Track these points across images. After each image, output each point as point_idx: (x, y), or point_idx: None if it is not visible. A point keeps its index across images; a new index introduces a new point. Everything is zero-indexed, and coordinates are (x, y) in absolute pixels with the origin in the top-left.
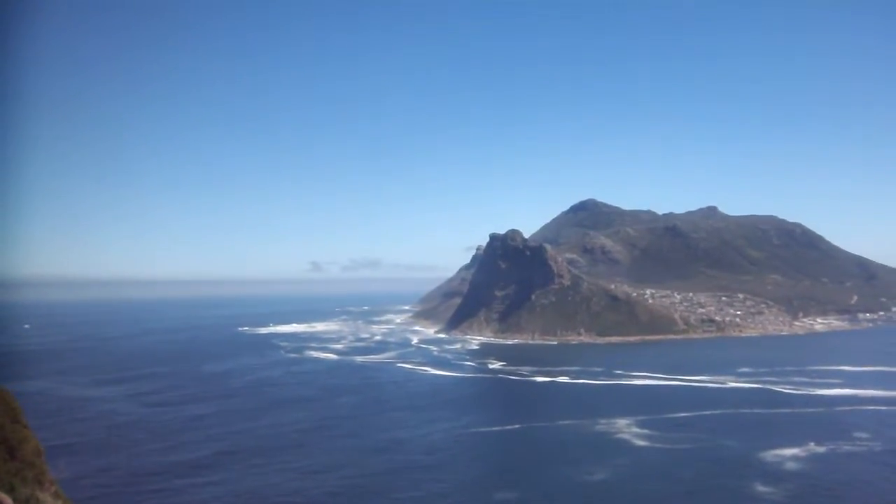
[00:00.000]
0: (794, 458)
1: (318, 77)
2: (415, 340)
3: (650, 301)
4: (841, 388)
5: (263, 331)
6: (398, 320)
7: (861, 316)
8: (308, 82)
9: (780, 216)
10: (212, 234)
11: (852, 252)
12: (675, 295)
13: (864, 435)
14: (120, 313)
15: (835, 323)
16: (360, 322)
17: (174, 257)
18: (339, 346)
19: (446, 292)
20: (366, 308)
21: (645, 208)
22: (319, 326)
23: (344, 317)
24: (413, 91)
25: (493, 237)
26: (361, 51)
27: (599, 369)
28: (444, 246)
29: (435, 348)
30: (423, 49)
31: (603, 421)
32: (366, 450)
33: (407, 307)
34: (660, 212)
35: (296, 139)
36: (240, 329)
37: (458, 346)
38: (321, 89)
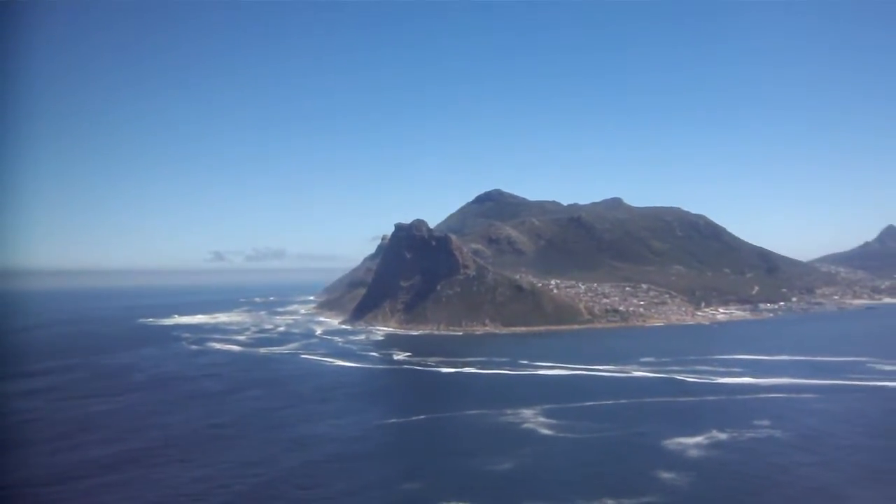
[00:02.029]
0: (697, 445)
1: (214, 63)
2: (319, 331)
3: (555, 291)
4: (742, 376)
5: (165, 322)
6: (302, 311)
7: (762, 306)
8: (203, 68)
9: (684, 208)
10: (105, 223)
11: (754, 244)
12: (580, 285)
13: (765, 422)
14: (5, 305)
15: (736, 313)
16: (263, 313)
17: (62, 246)
18: (242, 338)
19: (351, 282)
20: (270, 298)
21: (550, 199)
22: (222, 317)
23: (247, 307)
24: (318, 78)
25: (399, 227)
26: (248, 31)
27: (505, 359)
28: (350, 236)
29: (339, 339)
30: (330, 35)
31: (509, 411)
32: (278, 446)
33: (311, 298)
34: (565, 203)
35: (196, 127)
36: (140, 321)
37: (362, 336)
38: (221, 76)
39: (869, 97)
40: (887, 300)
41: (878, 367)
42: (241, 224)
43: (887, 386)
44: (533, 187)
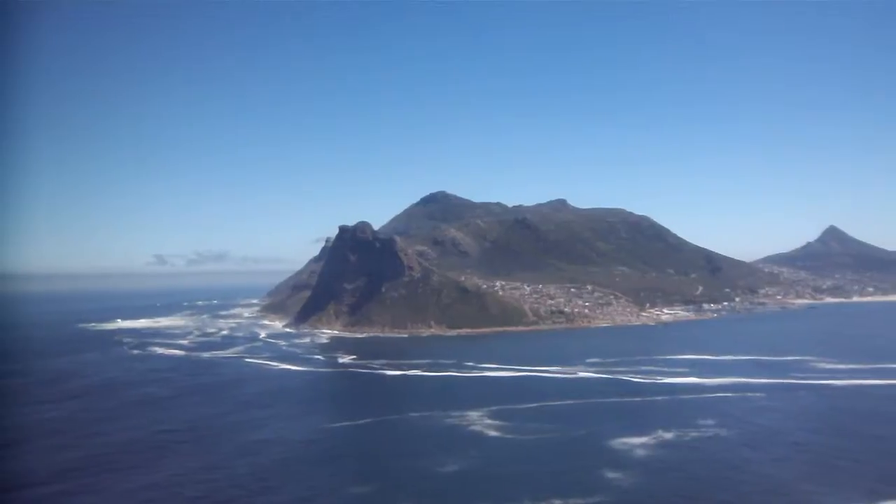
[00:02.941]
0: (643, 445)
1: (150, 62)
2: (263, 335)
3: (500, 293)
4: (687, 376)
5: (106, 326)
6: (246, 314)
7: (706, 306)
8: (139, 66)
9: (628, 209)
10: (41, 226)
11: (698, 245)
12: (525, 287)
13: (709, 421)
14: None
15: (681, 313)
16: (206, 316)
17: None
18: (184, 342)
19: (295, 285)
20: (213, 302)
21: (495, 201)
22: (164, 321)
23: (190, 311)
24: (259, 80)
25: (343, 229)
26: (186, 33)
27: (450, 361)
28: (293, 238)
29: (283, 343)
30: (271, 38)
31: (455, 413)
32: (227, 452)
33: (255, 301)
34: (510, 204)
35: (135, 128)
36: (81, 325)
37: (307, 340)
38: (158, 77)
39: (812, 100)
40: (829, 300)
41: (822, 365)
42: (183, 227)
43: (832, 384)
44: (478, 189)
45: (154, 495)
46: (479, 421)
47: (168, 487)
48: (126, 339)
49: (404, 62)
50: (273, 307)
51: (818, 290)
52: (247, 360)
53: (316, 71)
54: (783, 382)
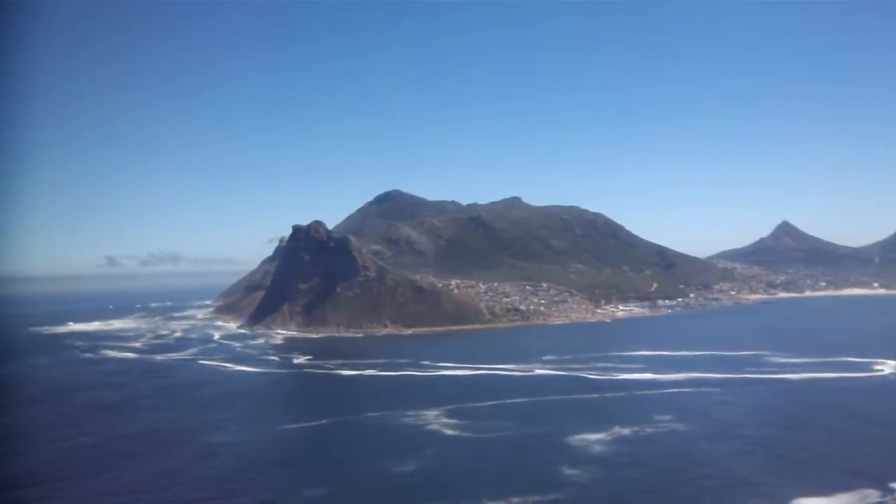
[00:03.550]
0: (600, 441)
1: (92, 60)
2: (217, 336)
3: (456, 291)
4: (642, 372)
5: (58, 330)
6: (199, 316)
7: (661, 303)
8: (80, 64)
9: (583, 206)
10: None
11: (652, 241)
12: (481, 285)
13: (665, 417)
14: None
15: (636, 310)
16: (159, 318)
17: None
18: (138, 345)
19: (249, 286)
20: (166, 303)
21: (449, 199)
22: (117, 324)
23: (143, 313)
24: (212, 79)
25: (297, 229)
26: (130, 32)
27: (406, 361)
28: (247, 238)
29: (238, 344)
30: (225, 36)
31: (411, 412)
32: (184, 456)
33: (208, 302)
34: (464, 202)
35: (84, 127)
36: (31, 329)
37: (261, 341)
38: (115, 77)
39: (764, 95)
40: (782, 294)
41: (776, 359)
42: (135, 227)
43: (787, 378)
44: (432, 187)
45: (114, 502)
46: (436, 420)
47: (128, 494)
48: (78, 343)
49: (356, 60)
50: (227, 308)
51: (772, 286)
52: (201, 361)
53: (267, 70)
54: (739, 377)
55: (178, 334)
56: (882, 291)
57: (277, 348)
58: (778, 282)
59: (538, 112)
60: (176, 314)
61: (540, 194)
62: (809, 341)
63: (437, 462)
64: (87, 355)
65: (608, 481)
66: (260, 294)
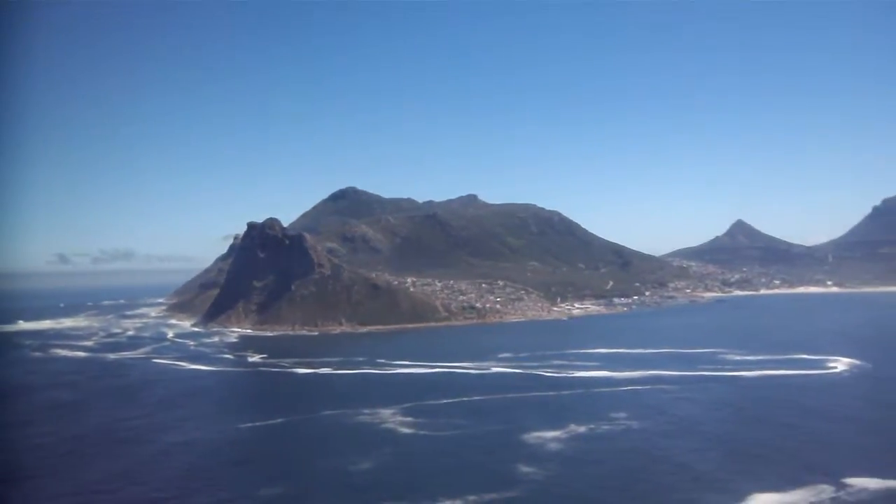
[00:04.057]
0: (556, 439)
1: (53, 63)
2: (170, 334)
3: (412, 289)
4: (598, 370)
5: (6, 329)
6: (153, 314)
7: (616, 300)
8: (42, 68)
9: (539, 204)
10: None
11: (608, 239)
12: (437, 283)
13: (621, 414)
14: None
15: (591, 307)
16: (111, 316)
17: None
18: (89, 343)
19: (203, 284)
20: (119, 301)
21: (405, 197)
22: (68, 322)
23: (95, 311)
24: (161, 76)
25: (251, 226)
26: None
27: (362, 359)
28: (201, 236)
29: (192, 342)
30: (176, 34)
31: (367, 411)
32: (140, 456)
33: (162, 300)
34: (420, 200)
35: (33, 124)
36: None
37: (216, 339)
38: (63, 72)
39: (720, 93)
40: (737, 292)
41: (732, 357)
42: (87, 224)
43: (742, 375)
44: (388, 185)
45: (74, 501)
46: (392, 418)
47: (85, 495)
48: (28, 342)
49: (312, 57)
50: (181, 306)
51: (726, 284)
52: (155, 360)
53: (221, 66)
54: (694, 375)
55: (130, 333)
56: (835, 289)
57: (232, 346)
58: (733, 280)
59: (495, 110)
60: (128, 312)
61: (497, 192)
62: (764, 339)
63: (394, 460)
64: (38, 354)
65: (564, 478)
66: (214, 292)
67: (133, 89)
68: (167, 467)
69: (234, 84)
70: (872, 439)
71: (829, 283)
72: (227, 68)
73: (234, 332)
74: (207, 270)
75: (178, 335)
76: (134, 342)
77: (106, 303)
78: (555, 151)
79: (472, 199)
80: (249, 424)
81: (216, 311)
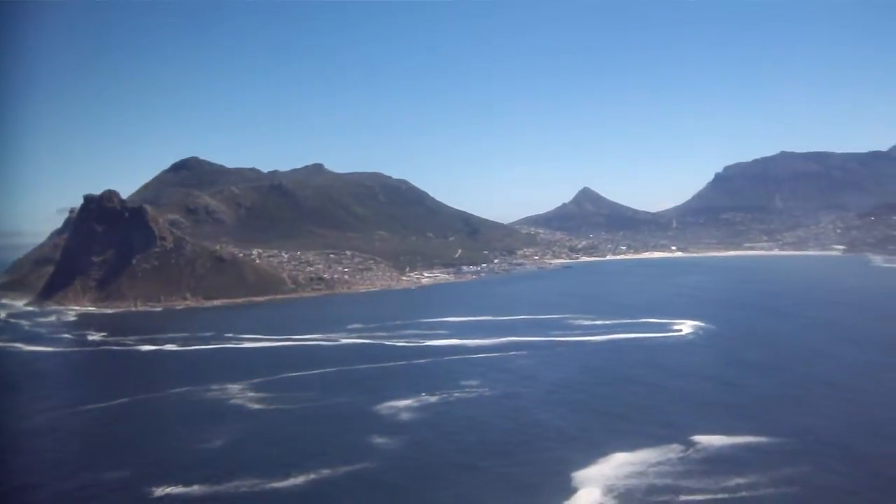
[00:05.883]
0: (408, 408)
1: None
2: (2, 315)
3: (257, 261)
4: (448, 338)
5: None
6: None
7: (465, 268)
8: None
9: (386, 173)
10: None
11: (456, 208)
12: (283, 254)
13: (473, 382)
14: None
15: (441, 276)
16: None
17: None
18: None
19: (37, 260)
20: None
21: (249, 166)
22: None
23: None
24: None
25: (88, 199)
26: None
27: (209, 334)
28: (34, 209)
29: (27, 322)
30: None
31: (215, 387)
32: None
33: None
34: (265, 170)
35: None
36: None
37: (53, 318)
38: None
39: (564, 61)
40: (584, 259)
41: (581, 322)
42: None
43: (592, 340)
44: (232, 154)
45: None
46: (241, 394)
47: None
48: None
49: (146, 20)
50: (12, 284)
51: (574, 250)
52: None
53: (55, 25)
54: (546, 340)
55: None
56: (679, 254)
57: (70, 325)
58: (580, 246)
59: (340, 77)
60: None
61: (343, 161)
62: (611, 304)
63: (244, 436)
64: None
65: (417, 447)
66: (50, 268)
67: None
68: (3, 459)
69: (66, 45)
70: (724, 396)
71: (674, 248)
72: (61, 26)
73: (73, 311)
74: (42, 246)
75: (10, 315)
76: None
77: None
78: (402, 120)
79: (318, 168)
80: (92, 406)
81: (52, 289)
